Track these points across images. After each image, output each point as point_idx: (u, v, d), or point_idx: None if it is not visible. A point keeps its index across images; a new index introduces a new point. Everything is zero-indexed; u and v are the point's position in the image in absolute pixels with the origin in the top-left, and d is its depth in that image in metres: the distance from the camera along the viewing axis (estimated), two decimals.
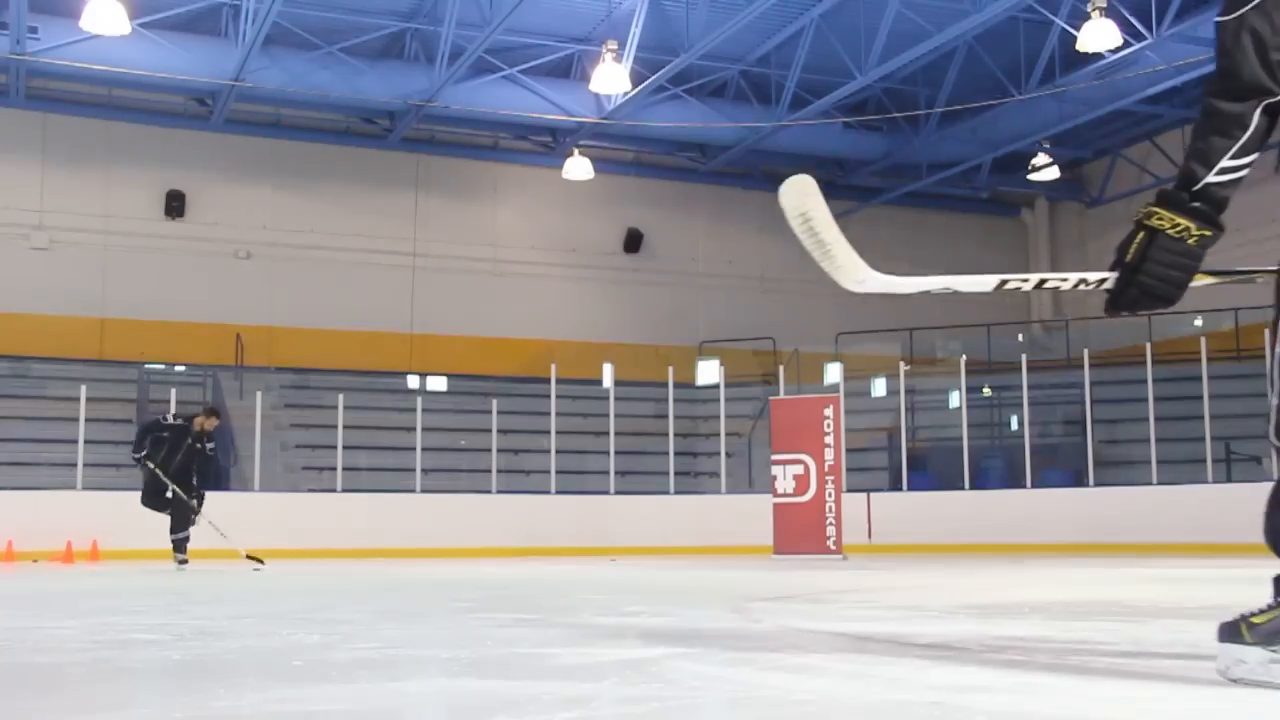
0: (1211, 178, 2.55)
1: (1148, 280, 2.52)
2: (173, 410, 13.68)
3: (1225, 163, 2.53)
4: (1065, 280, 2.71)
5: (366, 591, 7.41)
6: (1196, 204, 2.53)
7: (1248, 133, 2.48)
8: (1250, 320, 19.75)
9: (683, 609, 5.32)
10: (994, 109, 19.59)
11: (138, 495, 12.06)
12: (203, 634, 4.33)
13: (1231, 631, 2.57)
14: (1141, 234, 2.54)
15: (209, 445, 12.02)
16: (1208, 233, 2.52)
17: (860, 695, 2.62)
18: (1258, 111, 2.48)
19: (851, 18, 17.16)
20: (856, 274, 2.74)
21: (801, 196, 2.61)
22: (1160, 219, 2.54)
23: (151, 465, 11.68)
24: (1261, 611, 2.56)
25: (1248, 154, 2.51)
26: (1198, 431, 16.10)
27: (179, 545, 11.72)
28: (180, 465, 11.80)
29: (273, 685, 2.86)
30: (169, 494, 11.77)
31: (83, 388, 15.58)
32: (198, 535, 12.02)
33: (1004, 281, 2.75)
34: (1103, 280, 2.60)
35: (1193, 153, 2.61)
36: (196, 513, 11.89)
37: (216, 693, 2.72)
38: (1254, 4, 2.47)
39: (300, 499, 16.55)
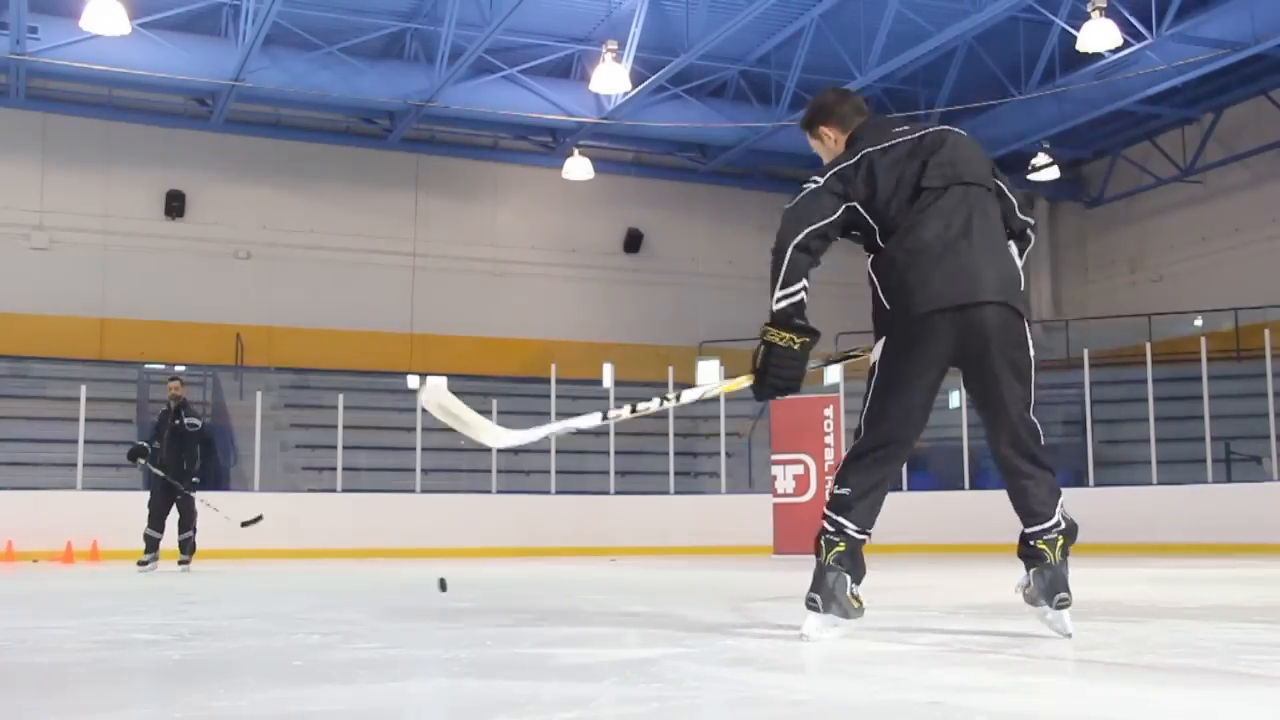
0: (776, 304, 3.55)
1: (774, 379, 3.63)
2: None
3: (778, 291, 3.54)
4: (672, 400, 3.96)
5: (366, 591, 7.41)
6: (790, 320, 3.55)
7: (783, 268, 3.54)
8: (1250, 320, 19.76)
9: (683, 609, 5.32)
10: (994, 109, 19.58)
11: (138, 495, 11.93)
12: (203, 634, 4.33)
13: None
14: (762, 347, 3.58)
15: (188, 421, 11.51)
16: (806, 339, 3.59)
17: (860, 695, 2.62)
18: (789, 251, 3.55)
19: (851, 18, 17.16)
20: (493, 434, 3.71)
21: (437, 395, 3.64)
22: (773, 335, 3.56)
23: (142, 460, 11.41)
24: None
25: (790, 284, 3.55)
26: (1198, 431, 16.09)
27: (185, 545, 11.38)
28: (169, 453, 11.41)
29: (273, 685, 2.86)
30: (177, 494, 11.41)
31: (83, 388, 15.57)
32: (195, 536, 11.96)
33: (604, 415, 3.89)
34: (703, 391, 3.82)
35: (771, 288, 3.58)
36: (190, 492, 11.67)
37: (216, 693, 2.72)
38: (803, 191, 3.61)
39: (300, 499, 16.54)
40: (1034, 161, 22.23)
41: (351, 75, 18.43)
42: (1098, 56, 17.10)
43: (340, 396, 16.99)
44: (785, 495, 14.50)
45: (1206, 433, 15.95)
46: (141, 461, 11.52)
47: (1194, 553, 13.74)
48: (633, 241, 23.45)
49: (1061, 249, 25.46)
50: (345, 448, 16.74)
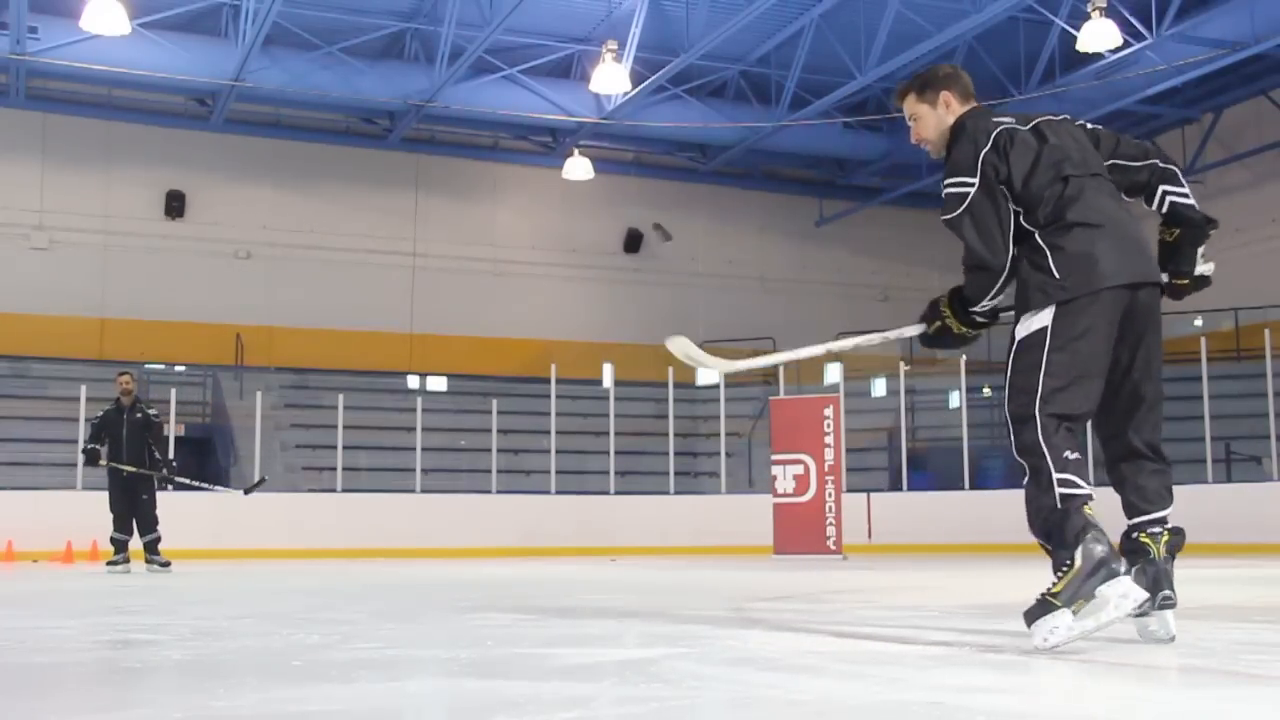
0: (973, 310, 3.71)
1: (939, 345, 3.86)
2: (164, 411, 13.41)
3: (986, 303, 3.68)
4: (883, 335, 4.15)
5: (366, 591, 7.41)
6: (973, 321, 3.74)
7: (994, 288, 3.63)
8: (1250, 320, 19.75)
9: (683, 609, 5.32)
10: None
11: (156, 496, 11.83)
12: (203, 634, 4.33)
13: (1039, 609, 3.26)
14: (938, 323, 3.78)
15: (151, 412, 11.46)
16: (978, 334, 3.79)
17: (860, 695, 2.62)
18: (1000, 276, 3.61)
19: (851, 18, 17.15)
20: (732, 366, 4.38)
21: (683, 346, 4.18)
22: (951, 322, 3.76)
23: (104, 462, 11.18)
24: (1056, 583, 3.26)
25: (995, 297, 3.66)
26: (1198, 431, 16.08)
27: (151, 546, 11.18)
28: (132, 448, 11.21)
29: (273, 685, 2.86)
30: (142, 492, 11.26)
31: (83, 388, 15.57)
32: (195, 536, 11.96)
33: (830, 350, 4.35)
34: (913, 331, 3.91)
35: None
36: (172, 477, 11.60)
37: (216, 693, 2.72)
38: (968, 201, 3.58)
39: (300, 499, 16.54)
40: None
41: (351, 75, 18.43)
42: (1098, 56, 17.10)
43: (340, 396, 16.99)
44: (785, 495, 14.49)
45: (1206, 433, 15.94)
46: (103, 463, 11.23)
47: (1194, 553, 13.74)
48: (632, 241, 23.45)
49: None
50: (345, 448, 16.73)
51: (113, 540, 11.30)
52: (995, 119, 3.69)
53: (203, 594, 7.33)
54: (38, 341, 19.12)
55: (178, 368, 20.03)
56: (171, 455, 14.87)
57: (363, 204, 21.78)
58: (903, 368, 18.87)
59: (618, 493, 17.46)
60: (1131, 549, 3.54)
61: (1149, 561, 3.51)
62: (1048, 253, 3.49)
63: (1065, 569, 3.26)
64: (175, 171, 20.74)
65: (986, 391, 20.06)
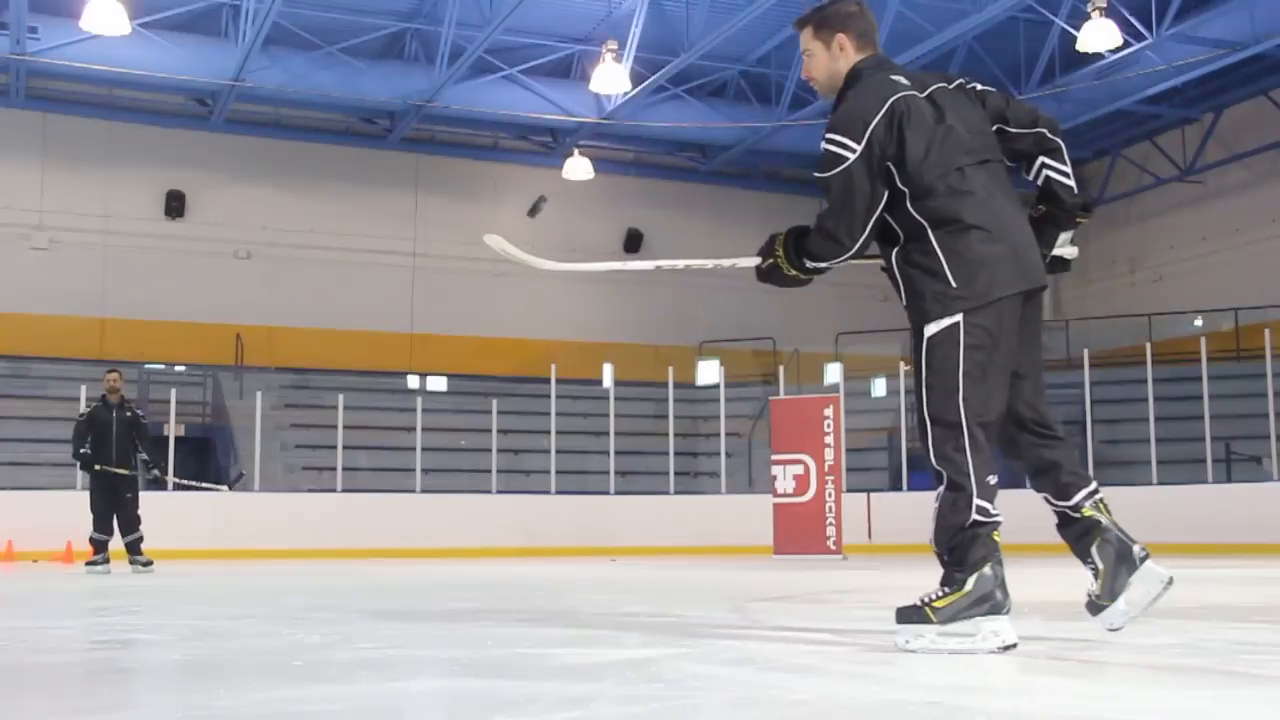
0: (809, 263, 3.62)
1: (771, 281, 3.77)
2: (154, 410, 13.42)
3: (821, 265, 3.62)
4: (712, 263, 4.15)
5: (366, 591, 7.41)
6: (805, 268, 3.63)
7: (829, 262, 3.62)
8: (1250, 320, 19.75)
9: (683, 609, 5.32)
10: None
11: (139, 496, 11.85)
12: (203, 634, 4.33)
13: (913, 614, 3.31)
14: (771, 260, 3.69)
15: (139, 411, 11.55)
16: (808, 279, 3.70)
17: (859, 695, 2.62)
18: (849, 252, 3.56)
19: None
20: (544, 264, 4.06)
21: (500, 244, 3.99)
22: (784, 265, 3.65)
23: (98, 466, 11.11)
24: (940, 597, 3.30)
25: (830, 263, 3.63)
26: (1198, 431, 16.08)
27: (134, 546, 11.11)
28: (121, 448, 11.16)
29: (273, 685, 2.86)
30: (126, 491, 11.21)
31: (83, 388, 15.54)
32: (195, 536, 11.95)
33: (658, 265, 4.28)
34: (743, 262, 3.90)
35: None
36: (165, 476, 11.58)
37: (216, 693, 2.72)
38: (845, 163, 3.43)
39: (300, 499, 16.53)
40: None
41: (351, 75, 18.43)
42: (1098, 56, 17.10)
43: (340, 396, 16.98)
44: (785, 495, 14.48)
45: (1206, 433, 15.94)
46: (97, 466, 11.16)
47: (1194, 553, 13.74)
48: (633, 241, 23.45)
49: None
50: (345, 448, 16.73)
51: (92, 540, 11.22)
52: (893, 78, 3.51)
53: (203, 594, 7.33)
54: (38, 341, 19.12)
55: (178, 368, 20.03)
56: (171, 455, 14.92)
57: (363, 204, 21.78)
58: (903, 368, 18.85)
59: (618, 493, 17.45)
60: (1083, 528, 3.47)
61: (1104, 531, 3.44)
62: (942, 259, 3.38)
63: (954, 588, 3.30)
64: (175, 171, 20.74)
65: None
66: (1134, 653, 3.38)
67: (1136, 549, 3.42)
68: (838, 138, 3.42)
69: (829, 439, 14.32)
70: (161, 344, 19.81)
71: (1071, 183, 3.58)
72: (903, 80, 3.51)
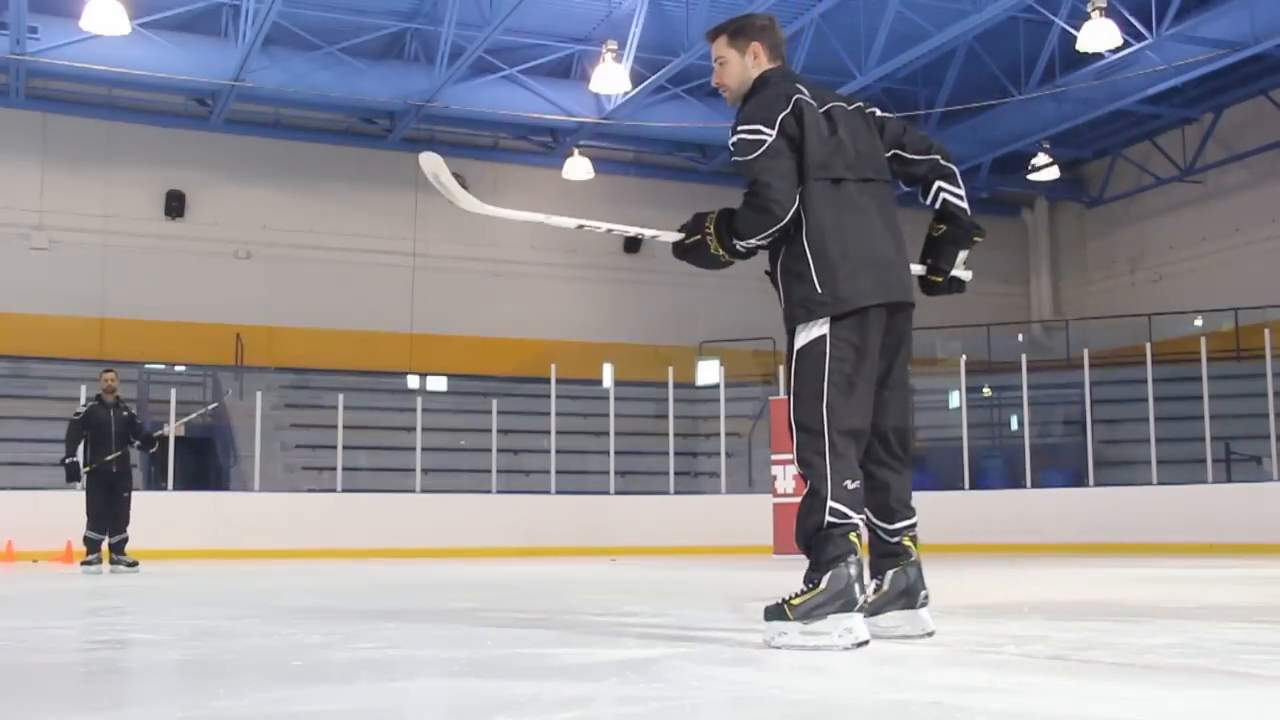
0: (739, 243, 3.70)
1: (690, 261, 3.87)
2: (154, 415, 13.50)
3: (752, 242, 3.67)
4: (636, 230, 4.13)
5: (366, 591, 7.41)
6: (734, 249, 3.72)
7: (762, 234, 3.63)
8: (1250, 320, 19.75)
9: (683, 609, 5.32)
10: (994, 109, 19.58)
11: (138, 496, 11.78)
12: (203, 634, 4.33)
13: (776, 612, 3.46)
14: (699, 236, 3.76)
15: (133, 411, 11.68)
16: (732, 261, 3.78)
17: (860, 695, 2.62)
18: (779, 223, 3.59)
19: (851, 18, 17.14)
20: (472, 203, 4.01)
21: (434, 165, 3.89)
22: (714, 244, 3.73)
23: (88, 469, 11.14)
24: (798, 595, 3.46)
25: (761, 239, 3.66)
26: (1198, 431, 16.08)
27: (119, 546, 11.16)
28: (119, 446, 11.24)
29: (273, 685, 2.86)
30: (123, 490, 11.26)
31: (83, 388, 15.53)
32: (195, 536, 11.94)
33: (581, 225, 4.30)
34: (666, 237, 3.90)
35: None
36: (164, 435, 11.68)
37: (216, 693, 2.72)
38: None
39: (300, 499, 16.53)
40: (1034, 161, 22.24)
41: (351, 75, 18.43)
42: (1098, 56, 17.10)
43: (340, 396, 16.98)
44: (785, 495, 14.47)
45: (1206, 433, 15.94)
46: (86, 469, 11.18)
47: (1194, 553, 13.74)
48: (633, 241, 23.44)
49: (1061, 249, 25.48)
50: (345, 448, 16.72)
51: (87, 540, 11.25)
52: (797, 84, 3.68)
53: (203, 594, 7.33)
54: (38, 341, 19.12)
55: (178, 368, 20.02)
56: (171, 455, 14.94)
57: (363, 204, 21.78)
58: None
59: (618, 493, 17.45)
60: (894, 551, 3.75)
61: (910, 563, 3.72)
62: (811, 262, 3.54)
63: (810, 587, 3.47)
64: (175, 171, 20.74)
65: (987, 391, 20.08)
66: (1134, 653, 3.38)
67: (923, 594, 3.71)
68: (752, 126, 3.59)
69: None
70: (161, 344, 19.80)
71: (965, 205, 3.83)
72: (805, 90, 3.69)
